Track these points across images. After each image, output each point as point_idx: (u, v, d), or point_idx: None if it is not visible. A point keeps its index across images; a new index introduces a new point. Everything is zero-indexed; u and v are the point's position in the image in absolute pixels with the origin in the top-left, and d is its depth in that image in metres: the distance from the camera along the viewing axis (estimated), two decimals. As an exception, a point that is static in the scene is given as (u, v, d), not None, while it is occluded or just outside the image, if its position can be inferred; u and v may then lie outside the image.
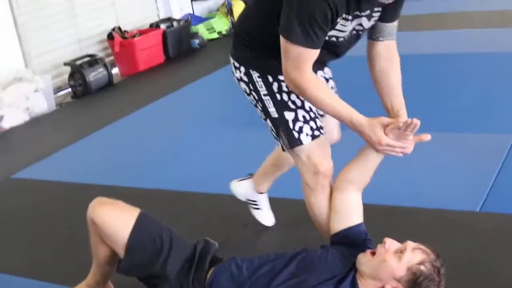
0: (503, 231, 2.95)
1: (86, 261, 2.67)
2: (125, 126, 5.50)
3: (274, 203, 3.33)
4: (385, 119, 2.39)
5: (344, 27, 2.35)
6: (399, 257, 2.22)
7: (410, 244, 2.27)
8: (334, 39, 2.39)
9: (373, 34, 2.51)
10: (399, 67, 2.54)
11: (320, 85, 2.40)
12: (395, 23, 2.50)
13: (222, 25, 8.60)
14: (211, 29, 8.50)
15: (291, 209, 3.36)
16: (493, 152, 3.75)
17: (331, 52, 2.50)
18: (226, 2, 8.61)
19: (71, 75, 6.85)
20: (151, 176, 4.23)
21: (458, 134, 4.09)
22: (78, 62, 6.82)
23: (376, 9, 2.36)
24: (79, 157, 4.93)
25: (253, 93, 2.61)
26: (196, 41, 8.08)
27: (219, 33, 8.53)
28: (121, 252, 2.45)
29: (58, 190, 4.28)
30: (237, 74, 2.65)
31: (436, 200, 3.27)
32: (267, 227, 3.28)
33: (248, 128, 4.80)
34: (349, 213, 2.52)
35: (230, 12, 8.62)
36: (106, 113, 6.01)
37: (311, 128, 2.52)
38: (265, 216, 3.28)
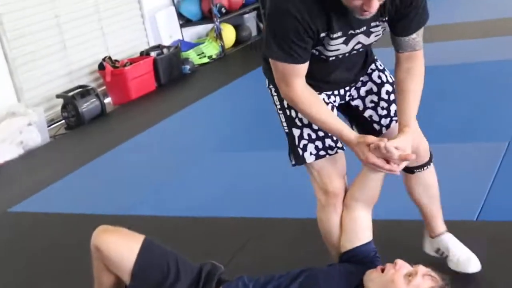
0: (501, 239, 2.96)
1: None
2: (120, 155, 5.50)
3: (280, 222, 3.34)
4: (371, 138, 2.34)
5: (340, 45, 2.33)
6: (408, 280, 2.22)
7: (421, 269, 2.26)
8: (333, 57, 2.39)
9: (394, 45, 2.46)
10: (419, 79, 2.43)
11: (310, 100, 2.38)
12: (413, 36, 2.38)
13: (212, 49, 8.64)
14: (201, 54, 8.54)
15: (297, 227, 3.38)
16: (487, 160, 3.78)
17: (337, 69, 2.47)
18: (215, 26, 8.66)
19: (64, 107, 6.86)
20: (150, 203, 4.24)
21: (452, 144, 4.11)
22: (70, 94, 6.83)
23: (373, 24, 2.32)
24: (76, 188, 4.93)
25: (274, 106, 2.65)
26: (187, 67, 8.11)
27: (209, 57, 8.56)
28: (126, 278, 2.45)
29: (56, 221, 4.28)
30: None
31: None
32: (273, 247, 3.26)
33: (243, 153, 4.83)
34: (357, 232, 2.51)
35: (219, 36, 8.67)
36: (100, 143, 6.02)
37: (316, 147, 2.52)
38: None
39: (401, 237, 3.10)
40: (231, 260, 3.20)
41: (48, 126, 6.76)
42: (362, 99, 2.62)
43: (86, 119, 6.82)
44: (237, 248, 3.34)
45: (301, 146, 2.54)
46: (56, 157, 6.00)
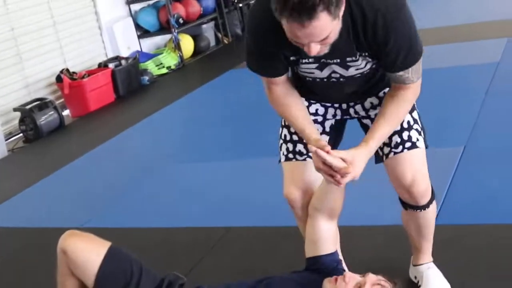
0: (458, 242, 3.01)
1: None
2: (78, 168, 5.46)
3: (240, 231, 3.35)
4: (322, 143, 2.25)
5: (314, 70, 2.29)
6: None
7: (369, 278, 2.26)
8: (310, 78, 2.36)
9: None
10: (401, 107, 2.29)
11: (286, 104, 2.38)
12: (400, 73, 2.22)
13: (170, 60, 8.64)
14: (160, 65, 8.52)
15: (258, 236, 3.40)
16: (443, 165, 3.83)
17: (327, 88, 2.41)
18: (173, 37, 8.66)
19: (22, 120, 6.79)
20: (109, 215, 4.22)
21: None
22: (28, 107, 6.77)
23: (349, 58, 2.22)
24: (34, 201, 4.88)
25: None
26: (146, 78, 8.09)
27: (168, 68, 8.55)
28: (90, 283, 2.45)
29: (14, 236, 4.23)
30: None
31: (392, 217, 3.31)
32: (234, 256, 3.28)
33: (203, 163, 4.84)
34: (317, 242, 2.48)
35: (178, 47, 8.66)
36: (59, 156, 5.97)
37: (287, 149, 2.52)
38: None
39: (344, 243, 3.12)
40: (191, 270, 3.20)
41: (6, 140, 6.68)
42: (370, 118, 2.52)
43: (45, 132, 6.75)
44: (198, 258, 3.34)
45: (279, 144, 2.58)
46: (15, 171, 5.93)
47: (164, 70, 8.52)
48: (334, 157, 2.16)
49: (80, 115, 7.34)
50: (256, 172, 4.31)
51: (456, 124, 4.48)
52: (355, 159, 2.18)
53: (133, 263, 2.51)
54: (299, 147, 2.50)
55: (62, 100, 7.44)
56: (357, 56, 2.21)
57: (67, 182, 5.16)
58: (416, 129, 2.44)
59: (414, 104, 2.46)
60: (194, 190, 4.31)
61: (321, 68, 2.28)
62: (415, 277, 2.74)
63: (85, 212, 4.31)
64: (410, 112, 2.44)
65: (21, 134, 6.88)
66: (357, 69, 2.27)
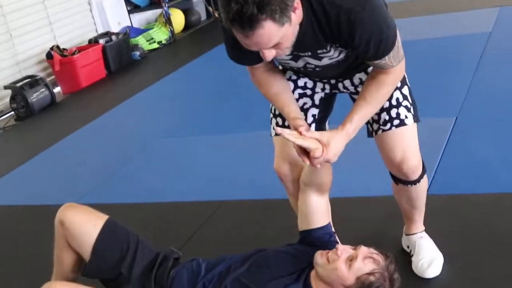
0: (450, 212, 3.03)
1: (44, 280, 2.65)
2: (71, 144, 5.46)
3: (234, 204, 3.36)
4: (298, 122, 2.25)
5: (289, 61, 2.27)
6: (349, 265, 2.22)
7: (361, 251, 2.26)
8: (288, 66, 2.36)
9: None
10: (381, 89, 2.21)
11: (267, 84, 2.35)
12: (377, 62, 2.15)
13: (161, 35, 8.59)
14: (150, 40, 8.48)
15: (251, 209, 3.42)
16: (435, 136, 3.84)
17: (311, 74, 2.41)
18: (163, 12, 8.60)
19: (13, 98, 6.76)
20: (102, 191, 4.23)
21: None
22: (19, 84, 6.74)
23: (320, 51, 2.16)
24: (28, 179, 4.88)
25: None
26: (137, 53, 8.05)
27: (159, 43, 8.51)
28: (87, 254, 2.48)
29: (8, 214, 4.23)
30: None
31: (385, 188, 3.32)
32: (227, 229, 3.28)
33: (196, 136, 4.84)
34: (308, 215, 2.50)
35: (168, 21, 8.62)
36: (51, 133, 5.95)
37: (276, 123, 2.50)
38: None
39: (338, 214, 3.13)
40: (185, 244, 3.22)
41: (-3, 118, 6.67)
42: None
43: (36, 109, 6.73)
44: (192, 232, 3.36)
45: (270, 118, 2.57)
46: (7, 149, 5.92)
47: (155, 45, 8.48)
48: (305, 139, 2.13)
49: (71, 92, 7.32)
50: (250, 146, 4.31)
51: (448, 95, 4.49)
52: (330, 141, 2.14)
53: (129, 236, 2.54)
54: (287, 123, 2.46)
55: (53, 77, 7.40)
56: (328, 48, 2.15)
57: (60, 159, 5.15)
58: (405, 106, 2.40)
59: (405, 79, 2.43)
60: (188, 165, 4.31)
61: (295, 59, 2.26)
62: (408, 247, 2.76)
63: (79, 189, 4.31)
64: (400, 88, 2.40)
65: (12, 112, 6.86)
66: (330, 59, 2.22)
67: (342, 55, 2.21)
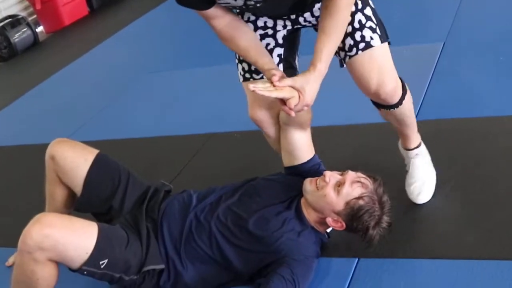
0: (438, 136, 3.03)
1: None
2: (57, 83, 5.42)
3: (223, 136, 3.38)
4: (272, 73, 2.15)
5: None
6: (338, 191, 2.24)
7: (349, 176, 2.27)
8: (229, 6, 2.18)
9: None
10: (335, 18, 2.09)
11: (232, 37, 2.22)
12: None
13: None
14: (132, -25, 8.32)
15: (240, 140, 3.44)
16: (423, 62, 3.82)
17: (259, 12, 2.29)
18: None
19: (-5, 39, 6.68)
20: (91, 128, 4.21)
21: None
22: (0, 24, 6.64)
23: None
24: (16, 119, 4.86)
25: None
26: (119, -11, 7.93)
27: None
28: (78, 189, 2.50)
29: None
30: None
31: (372, 115, 3.32)
32: (218, 161, 3.28)
33: (181, 70, 4.80)
34: (293, 152, 2.51)
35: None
36: (36, 73, 5.90)
37: (243, 69, 2.43)
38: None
39: (326, 142, 3.14)
40: (176, 177, 3.23)
41: (-20, 60, 6.59)
42: None
43: (19, 49, 6.66)
44: (182, 165, 3.36)
45: (236, 64, 2.48)
46: (-8, 90, 5.87)
47: (137, -20, 8.33)
48: (279, 90, 2.09)
49: (54, 31, 7.23)
50: (234, 78, 4.27)
51: (435, 20, 4.44)
52: (304, 86, 2.10)
53: (120, 170, 2.55)
54: (253, 68, 2.38)
55: (34, 16, 7.29)
56: None
57: (46, 99, 5.12)
58: (370, 27, 2.25)
59: None
60: (175, 99, 4.29)
61: None
62: (404, 160, 2.72)
63: (67, 127, 4.29)
64: (362, 10, 2.25)
65: (-5, 53, 6.78)
66: None
67: None
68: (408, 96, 2.44)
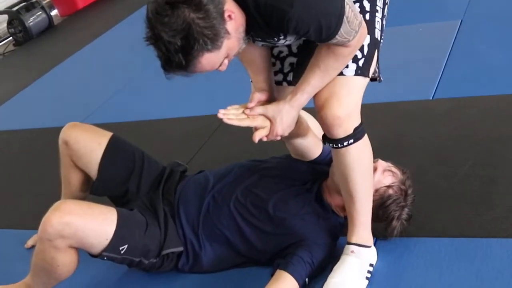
0: (455, 114, 3.01)
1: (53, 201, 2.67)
2: (72, 66, 5.43)
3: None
4: (255, 96, 2.13)
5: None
6: None
7: (381, 164, 2.28)
8: None
9: None
10: (336, 60, 1.97)
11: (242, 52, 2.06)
12: (329, 42, 1.91)
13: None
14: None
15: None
16: (441, 40, 3.79)
17: None
18: None
19: (10, 23, 6.68)
20: (106, 110, 4.22)
21: (405, 26, 4.10)
22: (15, 9, 6.65)
23: (270, 40, 2.00)
24: (31, 103, 4.87)
25: None
26: (133, -29, 7.89)
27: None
28: (93, 173, 2.49)
29: (13, 138, 4.24)
30: None
31: (390, 94, 3.30)
32: (234, 142, 3.26)
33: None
34: (302, 155, 2.45)
35: None
36: (51, 56, 5.90)
37: None
38: None
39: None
40: (193, 158, 3.22)
41: (-4, 44, 6.61)
42: None
43: (34, 33, 6.66)
44: (198, 146, 3.35)
45: None
46: (8, 75, 5.89)
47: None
48: (251, 119, 2.05)
49: (69, 14, 7.23)
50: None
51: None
52: (276, 116, 2.04)
53: (135, 152, 2.54)
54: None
55: (49, -1, 7.29)
56: (277, 38, 1.96)
57: (62, 82, 5.13)
58: (354, 56, 2.03)
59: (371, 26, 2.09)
60: (191, 79, 4.25)
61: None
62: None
63: (82, 110, 4.29)
64: None
65: (10, 38, 6.79)
66: (286, 42, 2.03)
67: (291, 40, 2.01)
68: (360, 148, 2.08)
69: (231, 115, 2.05)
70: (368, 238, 2.20)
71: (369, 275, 2.17)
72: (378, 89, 3.34)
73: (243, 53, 2.06)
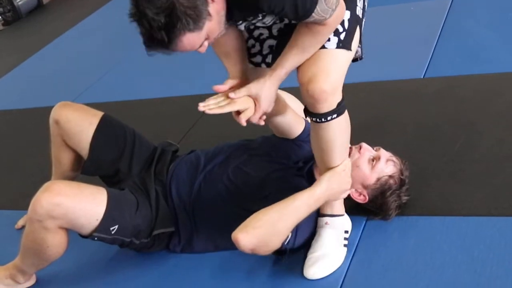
0: (446, 93, 3.01)
1: (44, 180, 2.66)
2: (61, 46, 5.39)
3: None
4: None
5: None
6: (372, 165, 2.26)
7: (383, 153, 2.30)
8: None
9: None
10: (319, 41, 2.00)
11: (218, 44, 2.16)
12: (306, 20, 1.92)
13: None
14: None
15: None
16: (431, 19, 3.79)
17: None
18: None
19: (-2, 2, 6.63)
20: (96, 90, 4.20)
21: (395, 5, 4.09)
22: (3, -13, 6.59)
23: (250, 19, 2.01)
24: (21, 83, 4.85)
25: None
26: (122, -50, 7.82)
27: None
28: (84, 152, 2.48)
29: (5, 118, 4.22)
30: None
31: (381, 73, 3.30)
32: (224, 122, 3.25)
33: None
34: (283, 133, 2.46)
35: None
36: (41, 36, 5.86)
37: None
38: None
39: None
40: (183, 137, 3.21)
41: (-16, 24, 6.55)
42: None
43: (23, 12, 6.61)
44: (189, 126, 3.34)
45: None
46: (-3, 54, 5.85)
47: None
48: (233, 103, 2.04)
49: (57, -7, 7.15)
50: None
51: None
52: (259, 93, 2.04)
53: (126, 131, 2.52)
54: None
55: (38, -22, 7.21)
56: (254, 17, 1.99)
57: (52, 62, 5.10)
58: (336, 29, 2.03)
59: (353, 3, 2.09)
60: (182, 59, 4.22)
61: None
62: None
63: (74, 89, 4.27)
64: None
65: (-1, 17, 6.73)
66: (264, 22, 2.06)
67: (270, 20, 2.04)
68: (341, 123, 2.09)
69: (211, 105, 2.06)
70: (340, 208, 2.26)
71: (346, 242, 2.23)
72: (369, 68, 3.35)
73: (219, 46, 2.12)
